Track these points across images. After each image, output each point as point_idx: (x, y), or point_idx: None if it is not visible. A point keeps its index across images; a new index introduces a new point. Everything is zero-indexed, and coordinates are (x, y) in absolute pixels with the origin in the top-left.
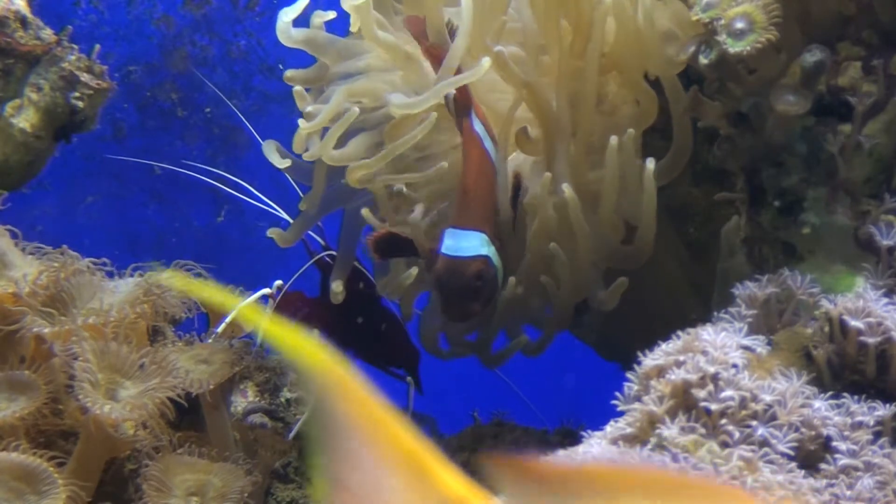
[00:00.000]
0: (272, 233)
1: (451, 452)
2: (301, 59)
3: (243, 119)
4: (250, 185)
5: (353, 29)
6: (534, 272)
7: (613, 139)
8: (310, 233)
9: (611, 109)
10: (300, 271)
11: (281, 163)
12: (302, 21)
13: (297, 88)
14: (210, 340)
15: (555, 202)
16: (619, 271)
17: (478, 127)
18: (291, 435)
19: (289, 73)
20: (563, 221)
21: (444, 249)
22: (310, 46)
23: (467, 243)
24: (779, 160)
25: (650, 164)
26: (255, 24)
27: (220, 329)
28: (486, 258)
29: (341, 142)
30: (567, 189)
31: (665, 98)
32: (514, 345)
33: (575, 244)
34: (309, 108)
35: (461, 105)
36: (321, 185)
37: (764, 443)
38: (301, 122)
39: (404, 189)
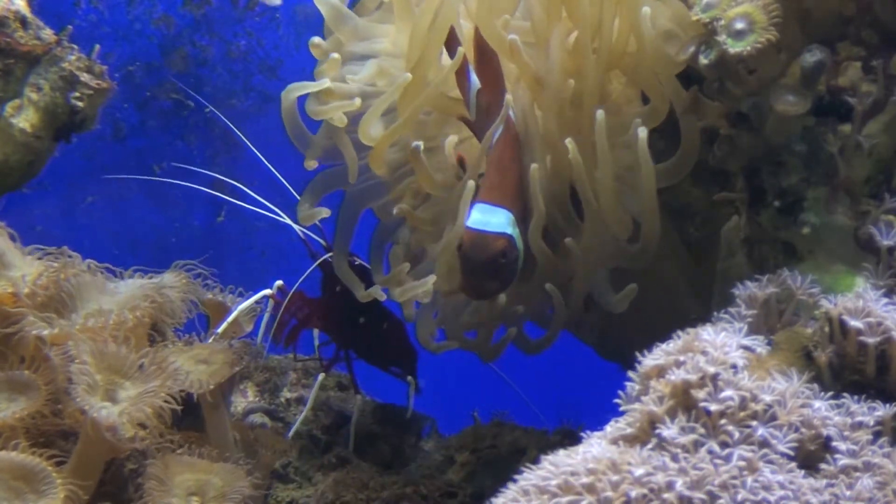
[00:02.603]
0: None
1: (451, 452)
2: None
3: (228, 122)
4: (249, 186)
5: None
6: (536, 268)
7: (600, 114)
8: (310, 234)
9: (615, 108)
10: (305, 274)
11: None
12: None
13: (335, 56)
14: (210, 341)
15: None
16: (625, 270)
17: (510, 112)
18: (290, 434)
19: (315, 39)
20: (566, 215)
21: (470, 223)
22: (333, 14)
23: (495, 219)
24: (779, 160)
25: (642, 132)
26: (255, 24)
27: (220, 329)
28: (510, 238)
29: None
30: (570, 145)
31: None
32: (506, 337)
33: (582, 228)
34: (328, 84)
35: (498, 90)
36: (352, 150)
37: (764, 443)
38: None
39: (421, 147)
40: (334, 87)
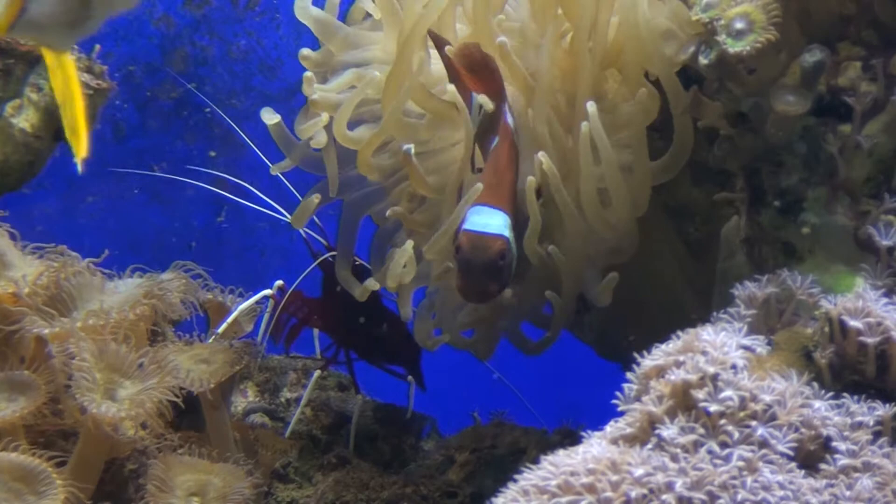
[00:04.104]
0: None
1: (451, 452)
2: (299, 62)
3: (230, 122)
4: (250, 186)
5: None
6: (532, 270)
7: (584, 126)
8: (311, 234)
9: (610, 107)
10: (305, 273)
11: (273, 118)
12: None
13: (308, 74)
14: (210, 340)
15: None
16: (625, 270)
17: (510, 119)
18: (287, 433)
19: (304, 51)
20: (556, 216)
21: (468, 225)
22: (320, 28)
23: (494, 221)
24: (779, 160)
25: (591, 107)
26: (255, 24)
27: (220, 329)
28: (507, 240)
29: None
30: (544, 159)
31: (666, 98)
32: (498, 333)
33: (565, 230)
34: (315, 96)
35: (495, 93)
36: (335, 167)
37: (764, 443)
38: (315, 90)
39: (412, 150)
40: (320, 98)
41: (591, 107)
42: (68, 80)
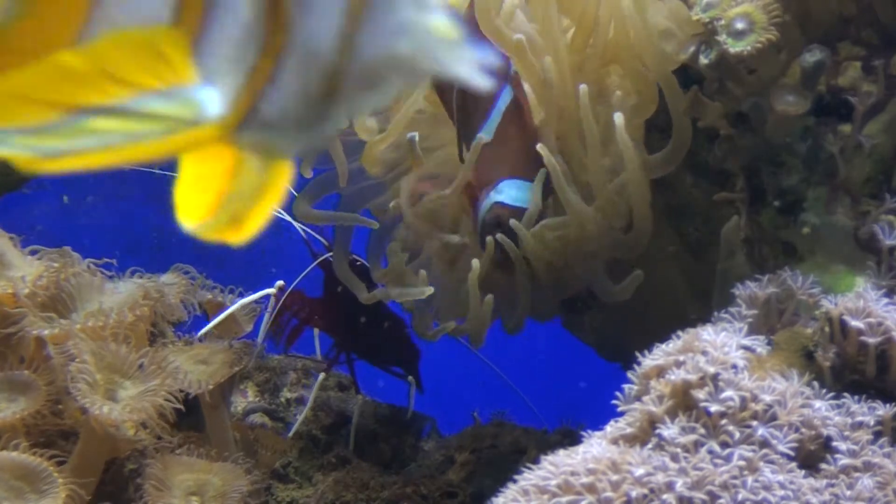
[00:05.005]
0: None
1: (451, 452)
2: None
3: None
4: None
5: None
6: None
7: (582, 89)
8: (312, 233)
9: (609, 102)
10: (305, 272)
11: None
12: None
13: None
14: (199, 334)
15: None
16: (621, 263)
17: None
18: (291, 433)
19: None
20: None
21: (505, 198)
22: None
23: (530, 195)
24: (779, 160)
25: (619, 119)
26: None
27: (208, 327)
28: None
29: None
30: (543, 151)
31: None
32: (486, 307)
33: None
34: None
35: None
36: (342, 157)
37: (764, 443)
38: None
39: (416, 138)
40: None
41: (618, 118)
42: (270, 193)
